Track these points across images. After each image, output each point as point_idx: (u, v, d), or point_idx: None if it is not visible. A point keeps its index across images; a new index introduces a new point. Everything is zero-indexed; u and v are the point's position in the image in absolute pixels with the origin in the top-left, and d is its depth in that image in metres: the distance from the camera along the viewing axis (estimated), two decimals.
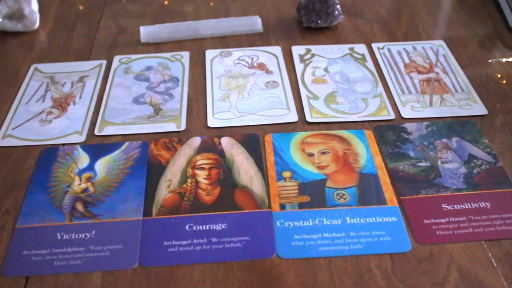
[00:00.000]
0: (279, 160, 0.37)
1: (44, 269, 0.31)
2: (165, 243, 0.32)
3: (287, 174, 0.36)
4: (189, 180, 0.37)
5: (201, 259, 0.31)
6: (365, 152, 0.38)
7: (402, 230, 0.32)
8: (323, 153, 0.37)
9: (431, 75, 0.47)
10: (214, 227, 0.33)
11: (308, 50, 0.50)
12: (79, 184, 0.37)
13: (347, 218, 0.33)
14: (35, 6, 0.53)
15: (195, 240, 0.32)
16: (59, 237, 0.33)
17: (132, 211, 0.34)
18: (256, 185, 0.36)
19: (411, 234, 0.33)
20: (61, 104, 0.45)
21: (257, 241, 0.32)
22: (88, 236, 0.33)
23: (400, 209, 0.34)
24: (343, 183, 0.35)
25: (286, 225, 0.32)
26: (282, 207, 0.34)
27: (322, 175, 0.36)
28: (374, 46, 0.51)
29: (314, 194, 0.35)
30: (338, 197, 0.34)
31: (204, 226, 0.33)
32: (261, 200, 0.35)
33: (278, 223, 0.33)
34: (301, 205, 0.34)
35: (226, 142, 0.40)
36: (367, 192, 0.35)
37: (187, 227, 0.33)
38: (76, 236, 0.33)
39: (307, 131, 0.40)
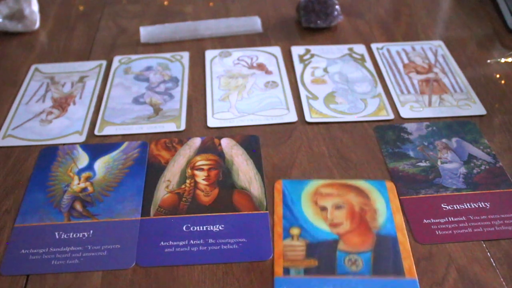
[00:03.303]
0: (288, 214, 0.33)
1: (42, 268, 0.31)
2: (162, 243, 0.32)
3: (295, 231, 0.32)
4: (188, 181, 0.37)
5: (197, 260, 0.31)
6: (385, 208, 0.33)
7: None
8: (338, 207, 0.33)
9: (430, 75, 0.47)
10: (211, 228, 0.33)
11: (308, 51, 0.50)
12: (78, 184, 0.37)
13: None
14: (35, 7, 0.54)
15: (191, 241, 0.32)
16: (57, 237, 0.33)
17: (130, 211, 0.34)
18: (254, 187, 0.36)
19: (410, 232, 0.33)
20: (61, 104, 0.45)
21: (254, 242, 0.32)
22: (86, 235, 0.33)
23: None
24: (357, 246, 0.31)
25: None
26: (286, 271, 0.30)
27: (334, 234, 0.32)
28: (373, 46, 0.51)
29: (323, 257, 0.30)
30: (350, 263, 0.30)
31: (201, 227, 0.33)
32: (259, 202, 0.35)
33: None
34: (307, 270, 0.30)
35: (226, 143, 0.40)
36: (384, 259, 0.30)
37: (184, 228, 0.33)
38: (74, 235, 0.33)
39: (322, 179, 0.35)
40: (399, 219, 0.33)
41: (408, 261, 0.30)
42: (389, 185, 0.35)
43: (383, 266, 0.30)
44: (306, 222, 0.32)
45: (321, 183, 0.35)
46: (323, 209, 0.33)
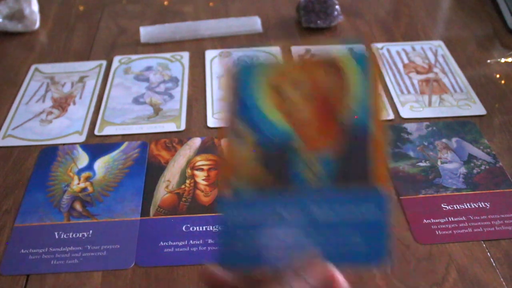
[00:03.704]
0: (239, 107, 0.23)
1: (41, 268, 0.31)
2: (162, 243, 0.32)
3: (246, 133, 0.22)
4: (187, 181, 0.37)
5: (197, 261, 0.31)
6: (359, 87, 0.22)
7: (382, 230, 0.20)
8: (300, 91, 0.23)
9: (430, 75, 0.47)
10: (211, 228, 0.33)
11: (308, 51, 0.50)
12: (78, 184, 0.37)
13: (314, 207, 0.21)
14: (35, 7, 0.54)
15: (191, 241, 0.32)
16: (56, 236, 0.33)
17: (130, 211, 0.34)
18: None
19: (410, 232, 0.33)
20: (61, 104, 0.45)
21: None
22: (86, 235, 0.33)
23: (397, 200, 0.29)
24: (319, 146, 0.22)
25: (238, 218, 0.22)
26: (235, 188, 0.22)
27: (293, 132, 0.22)
28: (373, 46, 0.51)
29: (276, 164, 0.22)
30: (307, 170, 0.21)
31: (200, 227, 0.33)
32: None
33: (228, 216, 0.22)
34: (257, 183, 0.22)
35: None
36: (351, 162, 0.21)
37: (184, 228, 0.33)
38: (74, 235, 0.33)
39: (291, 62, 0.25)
40: (377, 103, 0.22)
41: (379, 165, 0.21)
42: (369, 51, 0.23)
43: (348, 172, 0.21)
44: (260, 117, 0.23)
45: (281, 65, 0.24)
46: (283, 95, 0.23)
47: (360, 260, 0.21)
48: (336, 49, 0.23)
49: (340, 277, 0.20)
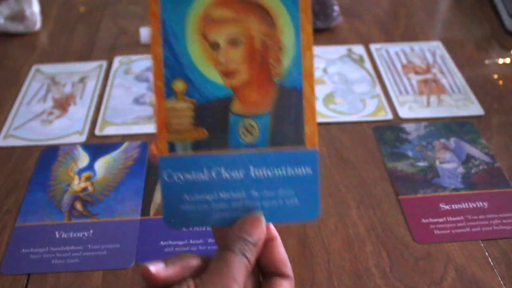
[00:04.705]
0: (170, 57, 0.22)
1: (42, 268, 0.31)
2: (162, 243, 0.32)
3: (179, 85, 0.22)
4: None
5: None
6: (293, 42, 0.22)
7: (314, 188, 0.22)
8: (234, 43, 0.22)
9: (429, 75, 0.47)
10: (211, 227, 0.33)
11: None
12: (79, 184, 0.37)
13: (251, 168, 0.22)
14: (36, 8, 0.54)
15: (191, 241, 0.32)
16: (57, 236, 0.33)
17: (130, 211, 0.35)
18: None
19: (409, 231, 0.33)
20: (62, 105, 0.45)
21: None
22: (86, 235, 0.33)
23: (398, 207, 0.32)
24: (255, 106, 0.22)
25: (176, 178, 0.22)
26: (171, 147, 0.22)
27: (227, 88, 0.22)
28: (372, 47, 0.51)
29: (214, 125, 0.22)
30: (244, 131, 0.22)
31: (201, 227, 0.33)
32: None
33: (166, 176, 0.21)
34: (196, 145, 0.22)
35: None
36: (284, 122, 0.22)
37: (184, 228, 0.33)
38: (74, 235, 0.33)
39: None
40: (309, 60, 0.22)
41: (310, 125, 0.22)
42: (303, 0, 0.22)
43: (281, 133, 0.22)
44: (193, 70, 0.22)
45: None
46: (215, 46, 0.22)
47: (295, 215, 0.22)
48: None
49: (278, 238, 0.22)
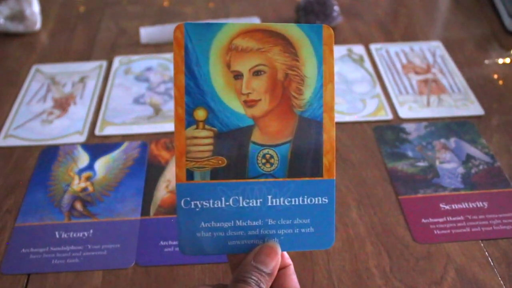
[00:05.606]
0: (192, 85, 0.22)
1: (42, 268, 0.31)
2: (162, 243, 0.32)
3: (201, 114, 0.22)
4: None
5: (197, 260, 0.31)
6: (316, 74, 0.22)
7: (329, 217, 0.22)
8: (257, 73, 0.22)
9: (429, 75, 0.47)
10: None
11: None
12: (79, 184, 0.37)
13: (269, 197, 0.22)
14: (36, 8, 0.54)
15: None
16: (57, 236, 0.33)
17: (130, 211, 0.35)
18: None
19: (409, 231, 0.33)
20: (62, 105, 0.45)
21: None
22: (86, 235, 0.33)
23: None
24: (275, 136, 0.22)
25: (193, 205, 0.22)
26: (190, 175, 0.22)
27: (248, 118, 0.22)
28: (372, 47, 0.51)
29: (234, 154, 0.22)
30: (263, 161, 0.22)
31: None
32: None
33: (182, 203, 0.22)
34: (214, 173, 0.22)
35: None
36: (303, 154, 0.22)
37: None
38: (74, 235, 0.33)
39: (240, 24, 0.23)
40: (330, 93, 0.22)
41: (329, 157, 0.22)
42: (327, 33, 0.22)
43: (300, 164, 0.22)
44: (215, 98, 0.22)
45: (238, 29, 0.22)
46: (238, 76, 0.22)
47: (309, 244, 0.23)
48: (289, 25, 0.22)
49: (291, 266, 0.22)
